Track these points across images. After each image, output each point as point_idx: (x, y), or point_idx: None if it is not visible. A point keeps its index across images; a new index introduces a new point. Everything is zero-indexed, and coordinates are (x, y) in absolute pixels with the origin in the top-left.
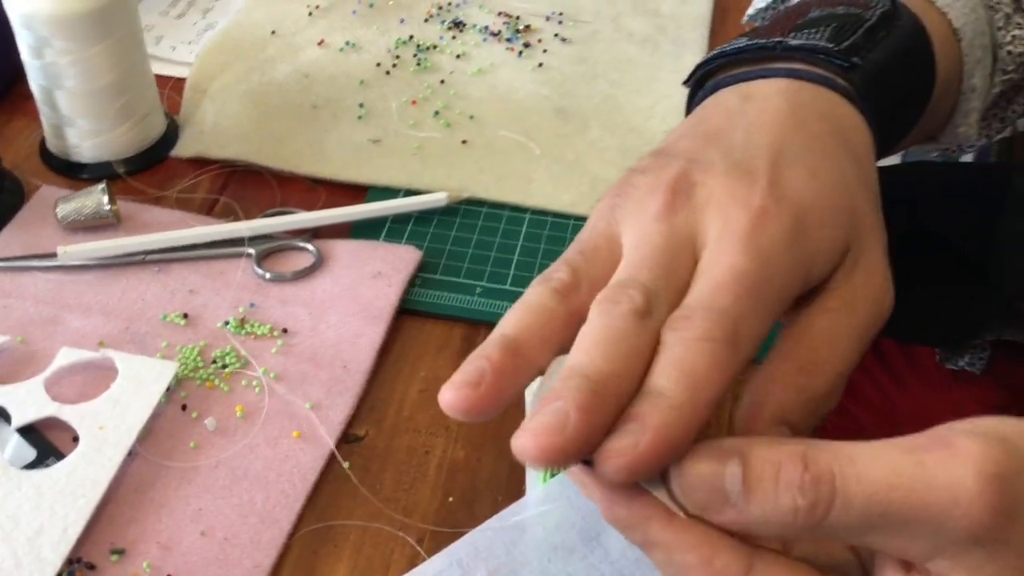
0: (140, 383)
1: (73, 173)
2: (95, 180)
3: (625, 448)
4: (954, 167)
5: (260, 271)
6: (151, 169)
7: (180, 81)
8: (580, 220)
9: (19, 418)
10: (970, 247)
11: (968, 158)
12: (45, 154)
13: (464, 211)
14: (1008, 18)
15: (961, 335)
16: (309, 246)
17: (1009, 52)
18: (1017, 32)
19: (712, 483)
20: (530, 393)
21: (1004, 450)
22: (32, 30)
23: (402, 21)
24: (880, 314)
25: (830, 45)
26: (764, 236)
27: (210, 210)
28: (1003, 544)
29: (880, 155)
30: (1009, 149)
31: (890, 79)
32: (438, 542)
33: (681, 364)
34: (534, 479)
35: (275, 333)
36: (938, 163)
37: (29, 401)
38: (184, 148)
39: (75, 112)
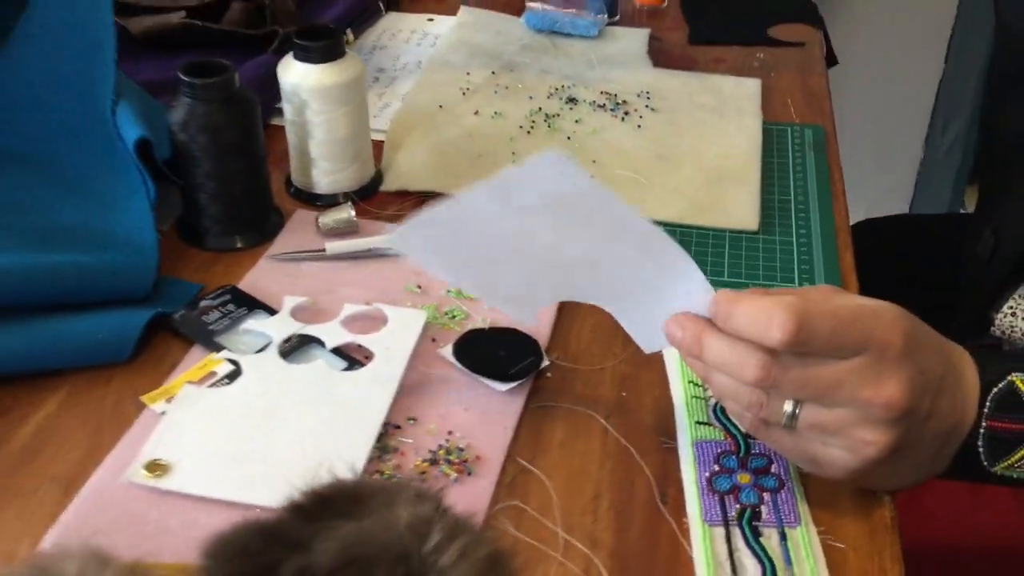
0: (405, 323)
1: (312, 201)
2: (329, 206)
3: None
4: (923, 217)
5: None
6: (367, 199)
7: (375, 142)
8: (684, 227)
9: (331, 342)
10: (943, 273)
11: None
12: (290, 188)
13: None
14: None
15: None
16: None
17: None
18: None
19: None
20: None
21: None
22: (298, 95)
23: (531, 98)
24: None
25: None
26: None
27: None
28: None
29: None
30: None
31: None
32: (620, 418)
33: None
34: (676, 382)
35: None
36: (912, 215)
37: (335, 334)
38: (390, 184)
39: (320, 156)
